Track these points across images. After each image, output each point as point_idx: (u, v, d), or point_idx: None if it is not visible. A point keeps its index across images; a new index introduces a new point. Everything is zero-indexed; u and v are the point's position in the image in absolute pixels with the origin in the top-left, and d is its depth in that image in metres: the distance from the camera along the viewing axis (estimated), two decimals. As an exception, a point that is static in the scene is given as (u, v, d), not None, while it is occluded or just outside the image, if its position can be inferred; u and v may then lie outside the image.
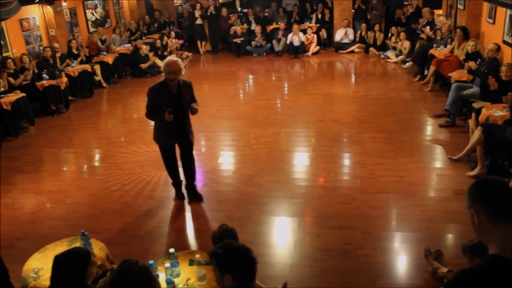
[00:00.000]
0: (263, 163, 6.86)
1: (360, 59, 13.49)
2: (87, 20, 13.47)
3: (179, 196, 5.88)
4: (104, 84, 11.96)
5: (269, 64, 13.76)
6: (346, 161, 6.89)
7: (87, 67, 11.29)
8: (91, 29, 13.43)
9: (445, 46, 9.94)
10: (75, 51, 11.56)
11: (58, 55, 10.81)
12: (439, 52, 9.92)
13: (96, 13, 13.92)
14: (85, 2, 13.27)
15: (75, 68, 10.93)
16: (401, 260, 4.54)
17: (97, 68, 11.81)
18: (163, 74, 5.24)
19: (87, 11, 13.46)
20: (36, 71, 9.99)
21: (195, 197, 5.82)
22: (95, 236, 3.99)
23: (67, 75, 10.53)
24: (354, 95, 10.12)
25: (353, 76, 12.14)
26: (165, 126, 5.31)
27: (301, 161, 6.95)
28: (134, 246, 4.97)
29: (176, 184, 5.90)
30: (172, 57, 5.22)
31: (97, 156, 7.91)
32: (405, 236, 4.82)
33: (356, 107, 9.21)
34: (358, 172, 6.33)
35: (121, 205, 5.91)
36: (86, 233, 3.79)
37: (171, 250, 3.53)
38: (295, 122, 8.60)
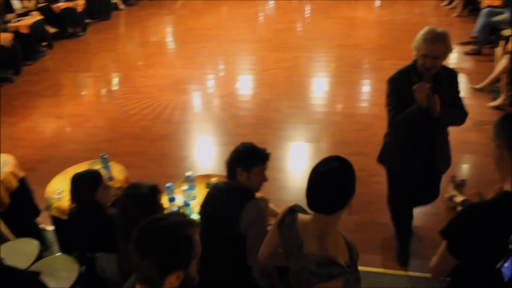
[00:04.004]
0: (281, 88, 6.80)
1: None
2: None
3: (402, 261, 3.72)
4: (121, 6, 11.74)
5: (291, -14, 13.24)
6: (366, 88, 6.77)
7: (104, -12, 11.02)
8: None
9: (478, -33, 9.35)
10: (91, -29, 11.22)
11: (74, -25, 10.52)
12: (471, -27, 9.35)
13: None
14: None
15: (92, -11, 10.66)
16: (416, 187, 4.52)
17: (114, -11, 11.55)
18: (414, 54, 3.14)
19: None
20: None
21: None
22: (115, 159, 4.06)
23: (84, -3, 10.31)
24: (377, 20, 9.77)
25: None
26: (412, 138, 3.27)
27: (320, 87, 6.85)
28: (152, 169, 5.07)
29: (407, 238, 3.81)
30: (435, 28, 2.95)
31: (115, 80, 7.91)
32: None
33: (379, 32, 8.92)
34: (377, 99, 6.20)
35: (139, 128, 5.98)
36: (105, 156, 3.85)
37: (188, 173, 3.58)
38: (316, 46, 8.39)
